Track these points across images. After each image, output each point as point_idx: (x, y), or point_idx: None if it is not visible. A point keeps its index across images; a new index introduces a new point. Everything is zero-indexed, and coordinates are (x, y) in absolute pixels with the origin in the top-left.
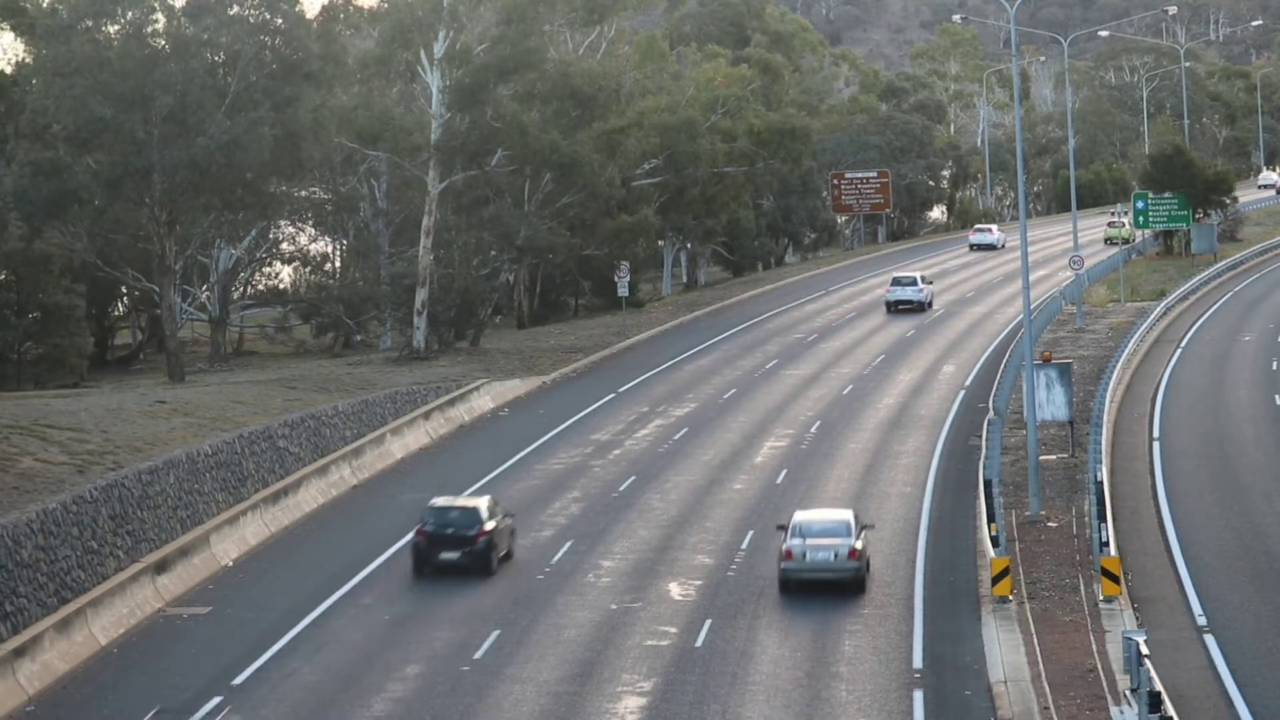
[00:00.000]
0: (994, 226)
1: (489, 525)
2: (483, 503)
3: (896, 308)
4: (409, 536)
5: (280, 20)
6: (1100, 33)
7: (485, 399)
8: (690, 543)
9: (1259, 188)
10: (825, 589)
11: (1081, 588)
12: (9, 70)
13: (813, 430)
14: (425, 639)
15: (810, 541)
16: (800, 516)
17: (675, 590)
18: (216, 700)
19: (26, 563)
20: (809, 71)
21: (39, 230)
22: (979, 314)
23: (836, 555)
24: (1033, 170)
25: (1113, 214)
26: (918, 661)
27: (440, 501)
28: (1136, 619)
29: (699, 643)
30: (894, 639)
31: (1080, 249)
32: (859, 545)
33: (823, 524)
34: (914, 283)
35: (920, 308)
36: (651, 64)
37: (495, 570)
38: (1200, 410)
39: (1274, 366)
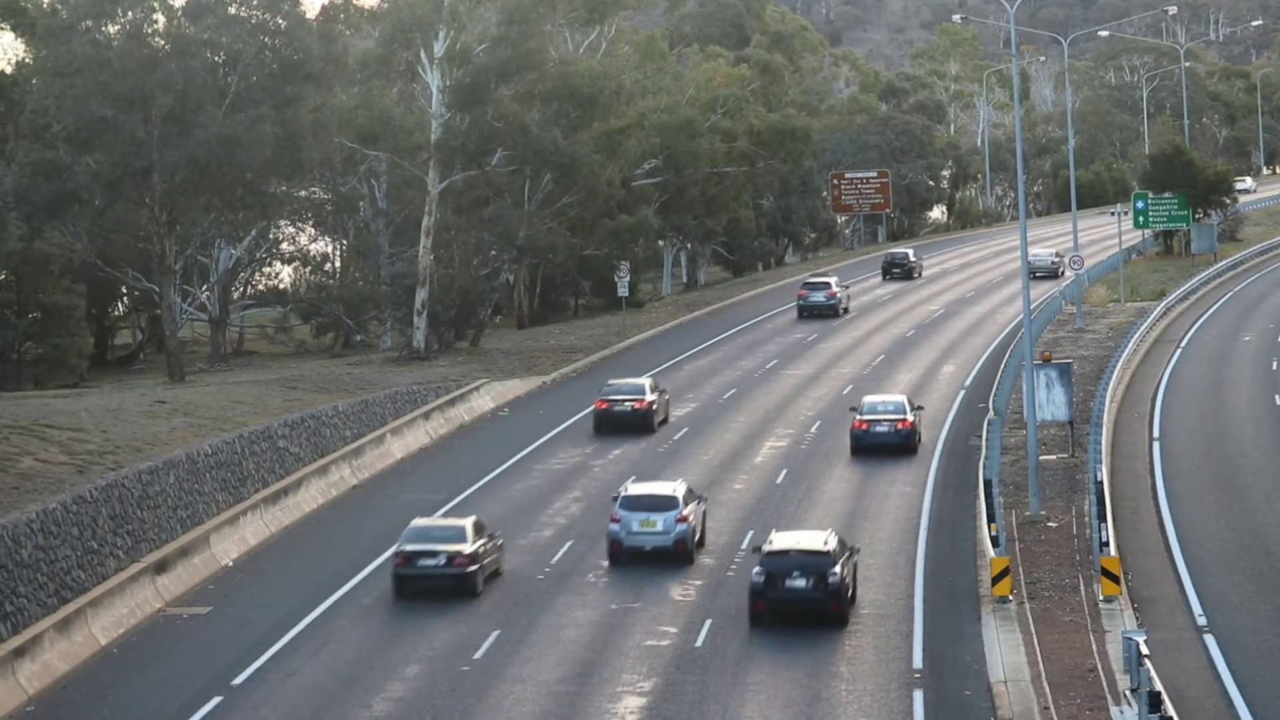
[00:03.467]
0: (832, 279)
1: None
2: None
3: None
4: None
5: (280, 20)
6: (1100, 33)
7: (485, 399)
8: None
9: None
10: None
11: (1081, 588)
12: (9, 70)
13: (813, 430)
14: (425, 639)
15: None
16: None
17: (675, 590)
18: (216, 700)
19: (26, 563)
20: (809, 71)
21: (39, 230)
22: (979, 314)
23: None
24: (1033, 170)
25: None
26: (918, 661)
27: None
28: (1136, 619)
29: (699, 643)
30: (894, 639)
31: (1080, 249)
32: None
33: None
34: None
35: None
36: (651, 64)
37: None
38: (1200, 410)
39: (1274, 366)
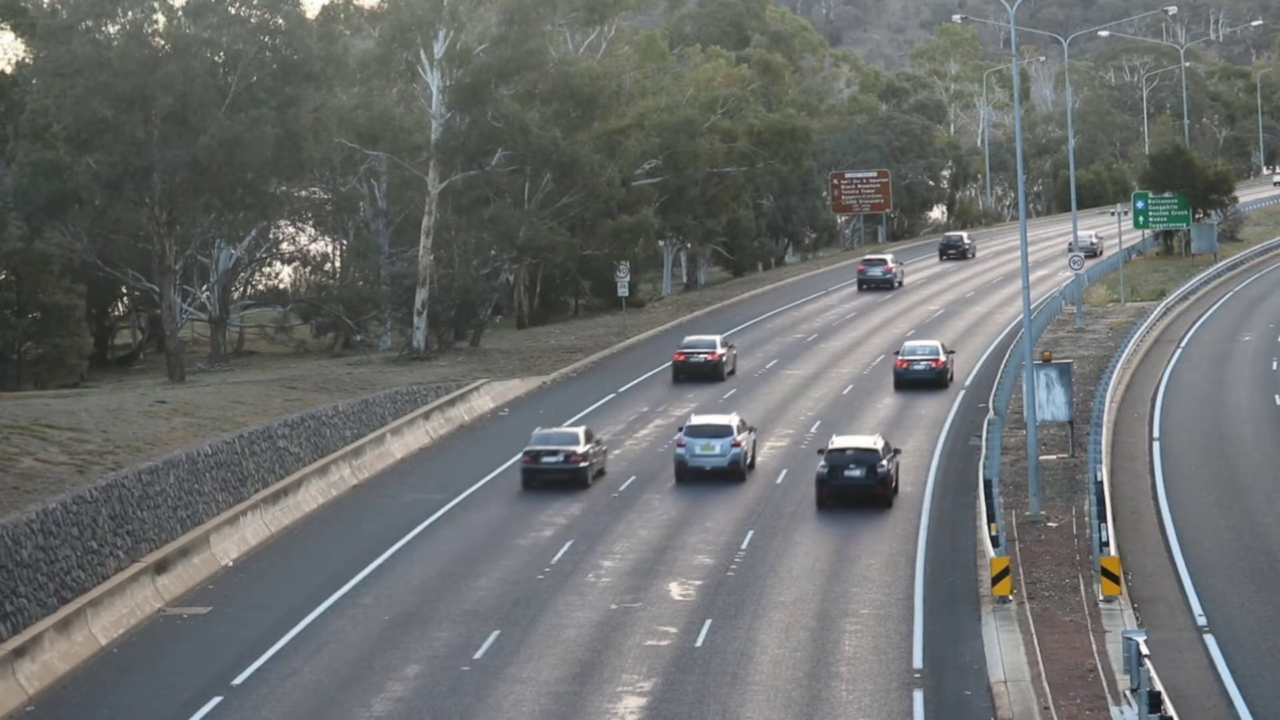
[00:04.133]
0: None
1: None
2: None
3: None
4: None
5: (280, 20)
6: (1100, 33)
7: (485, 399)
8: (690, 543)
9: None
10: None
11: (1081, 588)
12: (9, 70)
13: (813, 430)
14: (425, 639)
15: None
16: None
17: (675, 590)
18: (216, 700)
19: (26, 563)
20: (809, 71)
21: (39, 230)
22: (979, 314)
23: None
24: (1033, 170)
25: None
26: (918, 661)
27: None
28: (1136, 619)
29: (699, 643)
30: (894, 639)
31: (1080, 249)
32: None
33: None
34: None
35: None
36: (651, 64)
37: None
38: (1200, 410)
39: (1274, 366)
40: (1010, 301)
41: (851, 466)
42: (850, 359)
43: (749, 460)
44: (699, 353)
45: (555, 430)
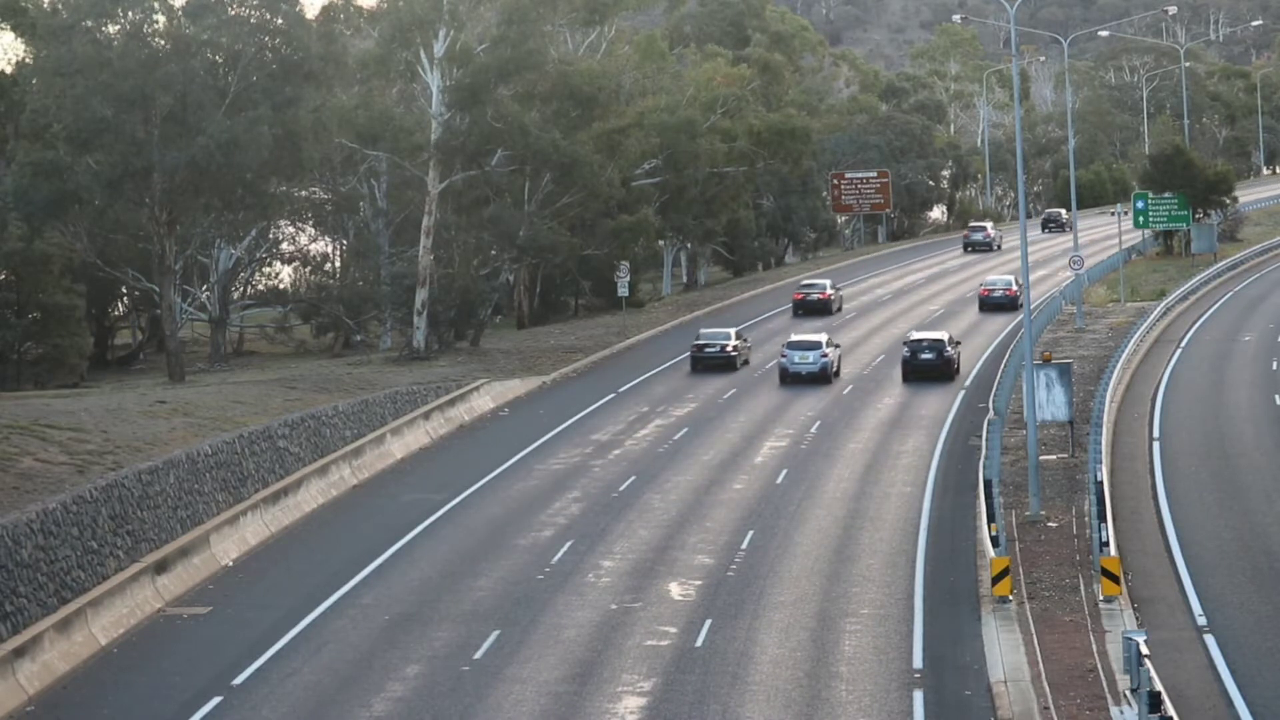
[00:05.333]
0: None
1: (733, 344)
2: (730, 330)
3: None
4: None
5: (280, 20)
6: (1100, 33)
7: (485, 399)
8: (690, 543)
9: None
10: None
11: (1081, 588)
12: (9, 70)
13: (813, 430)
14: (425, 639)
15: (992, 290)
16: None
17: (675, 590)
18: (216, 700)
19: (26, 563)
20: (809, 71)
21: (39, 230)
22: (979, 314)
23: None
24: (1033, 170)
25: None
26: (918, 661)
27: (705, 331)
28: (1136, 619)
29: (699, 643)
30: (894, 639)
31: (1080, 249)
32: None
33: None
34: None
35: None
36: (651, 64)
37: (739, 368)
38: (1200, 410)
39: (1274, 366)
40: (977, 328)
41: (925, 351)
42: (850, 359)
43: (835, 369)
44: (714, 344)
45: (714, 330)
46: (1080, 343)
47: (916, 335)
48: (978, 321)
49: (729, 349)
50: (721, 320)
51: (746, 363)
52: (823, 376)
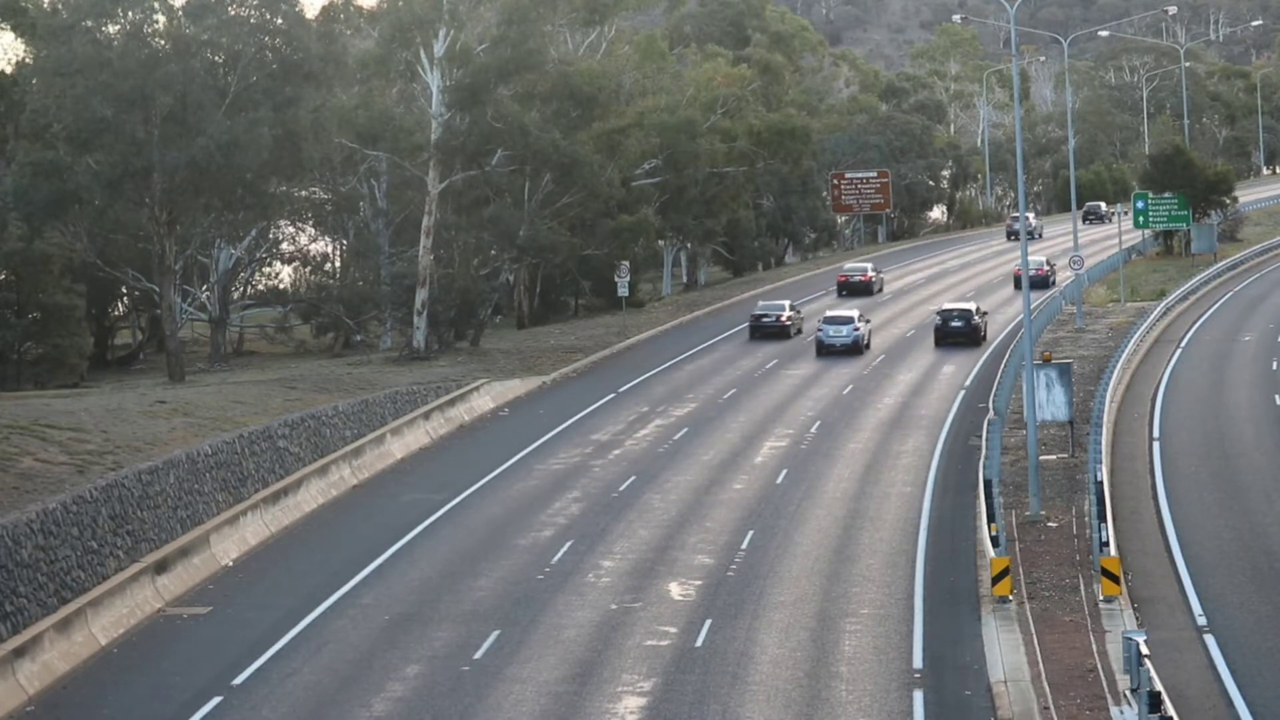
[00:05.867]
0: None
1: (787, 315)
2: (785, 303)
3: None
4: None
5: (280, 20)
6: (1100, 33)
7: (485, 399)
8: (690, 543)
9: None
10: (961, 338)
11: (1081, 588)
12: (9, 70)
13: (813, 430)
14: (425, 639)
15: (950, 317)
16: (944, 306)
17: (675, 590)
18: (216, 700)
19: (26, 563)
20: (809, 71)
21: (39, 230)
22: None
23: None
24: (1033, 170)
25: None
26: (918, 661)
27: (763, 303)
28: (1136, 619)
29: (699, 643)
30: (894, 639)
31: (1080, 249)
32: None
33: (958, 309)
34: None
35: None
36: (651, 64)
37: (792, 336)
38: (1200, 410)
39: (1274, 366)
40: (1010, 302)
41: (955, 320)
42: (850, 359)
43: (866, 341)
44: (770, 314)
45: (770, 302)
46: (1080, 343)
47: (948, 306)
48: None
49: (783, 319)
50: (723, 320)
51: (799, 331)
52: (855, 348)
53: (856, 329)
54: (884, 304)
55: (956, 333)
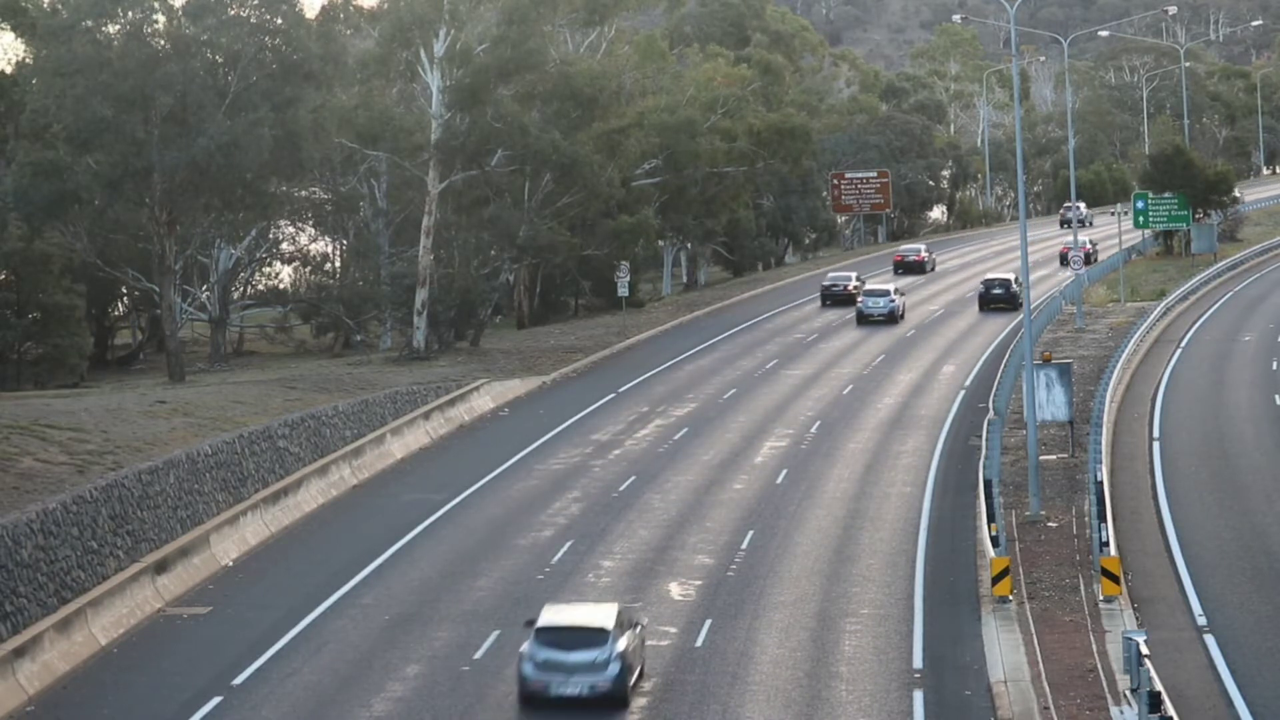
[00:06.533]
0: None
1: (853, 284)
2: (852, 274)
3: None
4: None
5: (280, 20)
6: (1100, 33)
7: (485, 399)
8: (690, 543)
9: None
10: (1002, 304)
11: (1081, 588)
12: (9, 70)
13: (813, 430)
14: (425, 639)
15: (1071, 248)
16: (986, 277)
17: (675, 590)
18: (216, 700)
19: (26, 563)
20: (809, 71)
21: (39, 230)
22: (979, 314)
23: (1005, 291)
24: (1033, 170)
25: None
26: (918, 661)
27: (832, 274)
28: (1136, 619)
29: (699, 643)
30: (894, 639)
31: (1080, 249)
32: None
33: (999, 279)
34: (1079, 209)
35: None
36: (651, 64)
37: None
38: (1200, 410)
39: (1274, 366)
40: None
41: (996, 288)
42: (850, 359)
43: (900, 312)
44: (839, 285)
45: (839, 273)
46: (1080, 343)
47: (989, 277)
48: (977, 322)
49: (850, 288)
50: (723, 320)
51: (901, 317)
52: (891, 318)
53: (892, 301)
54: (933, 280)
55: (997, 298)
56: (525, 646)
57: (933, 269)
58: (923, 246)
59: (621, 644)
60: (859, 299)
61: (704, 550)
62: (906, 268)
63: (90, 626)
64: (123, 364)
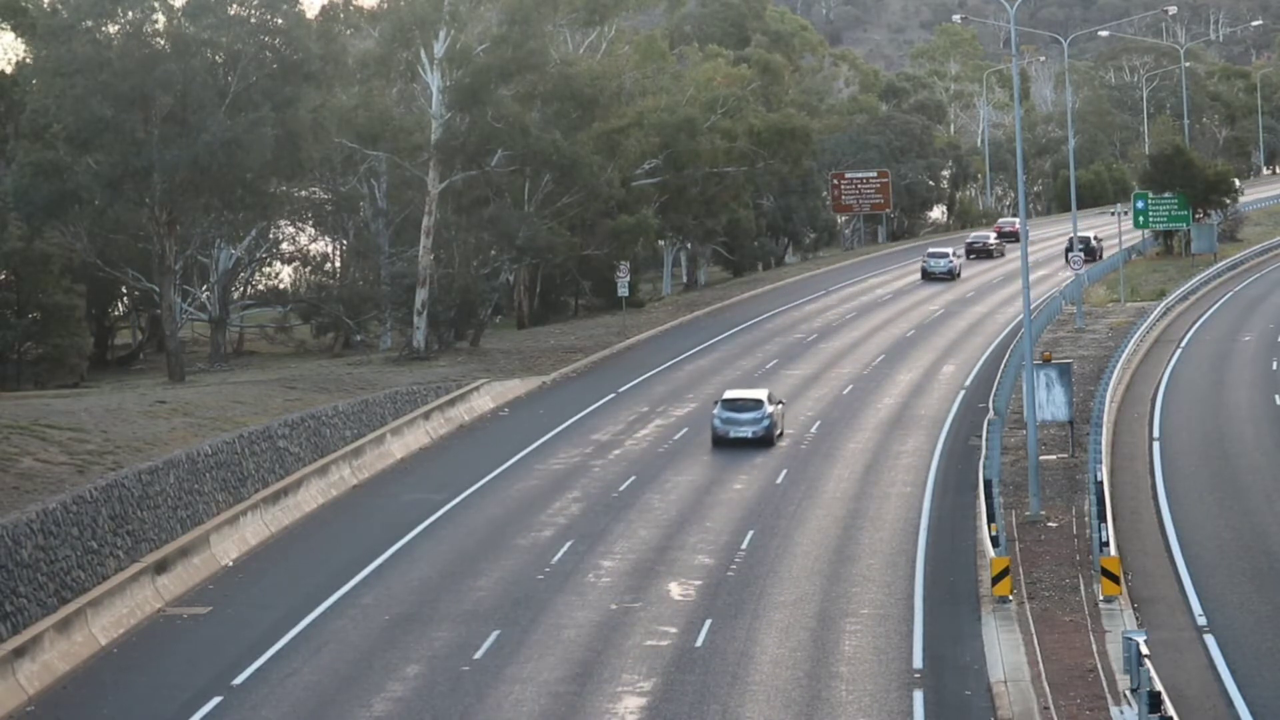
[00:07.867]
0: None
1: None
2: (949, 249)
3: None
4: None
5: (280, 20)
6: (1100, 33)
7: (485, 399)
8: (690, 543)
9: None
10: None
11: (1081, 588)
12: (9, 70)
13: (813, 430)
14: (425, 639)
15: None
16: (1001, 219)
17: (675, 590)
18: (216, 700)
19: (26, 563)
20: (809, 71)
21: (39, 230)
22: (979, 314)
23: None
24: (1033, 170)
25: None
26: (918, 661)
27: (932, 249)
28: (1136, 619)
29: (699, 643)
30: (894, 639)
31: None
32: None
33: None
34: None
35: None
36: (651, 64)
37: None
38: (1200, 410)
39: (1274, 366)
40: (1010, 301)
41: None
42: (850, 359)
43: (958, 271)
44: (939, 260)
45: (938, 250)
46: (1080, 343)
47: (1004, 225)
48: (977, 322)
49: (961, 258)
50: (723, 320)
51: (959, 274)
52: (950, 275)
53: (952, 262)
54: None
55: (980, 251)
56: (715, 409)
57: (1001, 255)
58: (991, 235)
59: (770, 409)
60: (924, 261)
61: (704, 550)
62: (976, 253)
63: (90, 626)
64: (123, 364)
